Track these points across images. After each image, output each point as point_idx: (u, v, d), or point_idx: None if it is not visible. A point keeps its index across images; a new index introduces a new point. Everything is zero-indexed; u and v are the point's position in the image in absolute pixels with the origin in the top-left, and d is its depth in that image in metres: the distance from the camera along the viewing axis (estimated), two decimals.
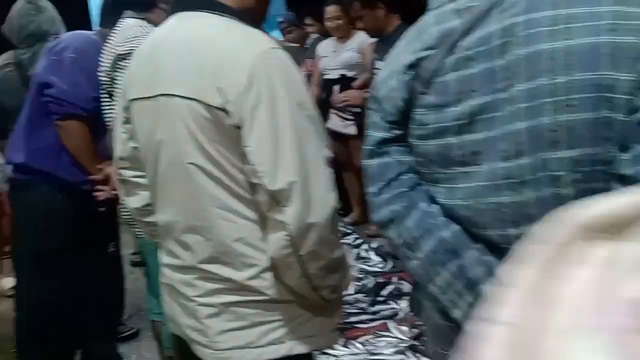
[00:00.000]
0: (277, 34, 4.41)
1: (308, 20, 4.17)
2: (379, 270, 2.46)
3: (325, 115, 3.70)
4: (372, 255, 2.61)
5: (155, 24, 1.57)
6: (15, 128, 1.97)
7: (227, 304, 1.04)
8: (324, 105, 3.69)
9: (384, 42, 3.05)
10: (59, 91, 1.81)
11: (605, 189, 0.67)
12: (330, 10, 3.67)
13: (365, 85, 3.49)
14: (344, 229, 2.73)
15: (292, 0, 6.53)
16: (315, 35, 4.18)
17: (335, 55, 3.70)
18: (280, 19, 4.30)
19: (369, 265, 2.51)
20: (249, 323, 1.04)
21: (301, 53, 4.10)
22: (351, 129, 3.61)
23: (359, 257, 2.56)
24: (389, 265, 2.50)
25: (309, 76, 3.96)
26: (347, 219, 3.78)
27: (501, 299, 0.38)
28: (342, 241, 2.89)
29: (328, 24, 3.68)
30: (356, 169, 3.74)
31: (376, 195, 0.92)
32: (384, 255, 2.56)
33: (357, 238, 2.79)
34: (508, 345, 0.36)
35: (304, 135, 0.97)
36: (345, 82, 3.61)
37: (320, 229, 0.97)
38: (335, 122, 3.72)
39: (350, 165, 3.80)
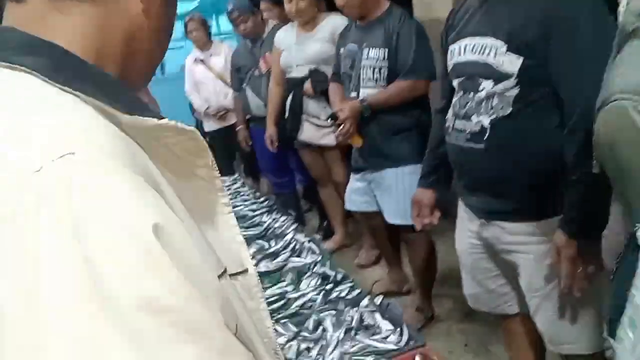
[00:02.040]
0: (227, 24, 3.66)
1: (263, 5, 3.31)
2: (394, 348, 1.50)
3: (296, 124, 3.04)
4: (379, 319, 1.62)
5: None
6: None
7: None
8: (293, 111, 3.02)
9: (369, 28, 2.35)
10: None
11: None
12: None
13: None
14: (327, 270, 1.93)
15: None
16: (273, 23, 3.41)
17: (299, 48, 2.97)
18: (230, 6, 3.42)
19: (381, 340, 1.51)
20: None
21: (260, 46, 3.40)
22: (329, 139, 2.92)
23: (361, 326, 1.59)
24: (405, 336, 1.52)
25: (268, 74, 3.28)
26: (328, 244, 3.15)
27: None
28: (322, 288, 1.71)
29: (286, 6, 2.91)
30: (335, 184, 3.10)
31: None
32: (395, 318, 1.60)
33: (351, 286, 1.82)
34: None
35: None
36: (318, 78, 2.88)
37: None
38: (310, 132, 3.03)
39: (328, 181, 3.16)
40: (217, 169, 0.55)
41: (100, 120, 0.44)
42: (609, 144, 0.77)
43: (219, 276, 0.49)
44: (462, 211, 1.67)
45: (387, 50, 2.26)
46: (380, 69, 2.28)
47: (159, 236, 0.38)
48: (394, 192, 2.38)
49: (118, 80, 0.51)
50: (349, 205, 2.69)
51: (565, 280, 1.38)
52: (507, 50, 1.35)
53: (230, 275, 0.53)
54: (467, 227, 1.66)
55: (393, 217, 2.44)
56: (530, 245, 1.47)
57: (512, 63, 1.35)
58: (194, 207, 0.51)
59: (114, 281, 0.36)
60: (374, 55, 2.29)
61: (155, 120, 0.47)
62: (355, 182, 2.60)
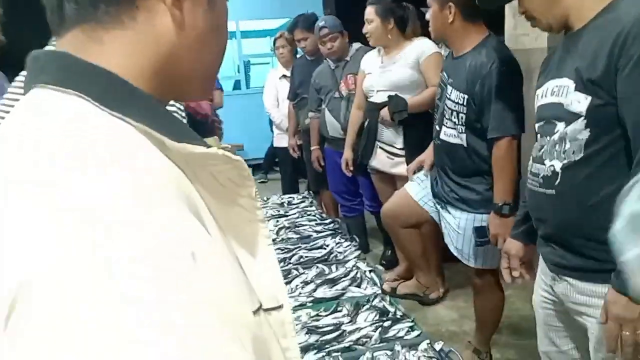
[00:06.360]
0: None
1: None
2: None
3: (368, 150, 3.00)
4: None
5: None
6: None
7: None
8: (366, 137, 2.98)
9: (458, 62, 2.18)
10: None
11: None
12: (367, 11, 2.88)
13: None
14: (387, 305, 1.88)
15: None
16: (357, 45, 3.41)
17: (382, 73, 2.93)
18: (321, 23, 3.34)
19: None
20: None
21: (343, 67, 3.39)
22: (400, 169, 2.88)
23: None
24: None
25: (348, 97, 3.27)
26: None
27: None
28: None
29: (364, 30, 2.91)
30: None
31: None
32: None
33: (410, 326, 1.73)
34: None
35: None
36: (398, 105, 2.83)
37: None
38: (382, 160, 3.00)
39: None
40: (259, 200, 0.55)
41: (148, 147, 0.44)
42: None
43: (254, 312, 0.48)
44: (540, 262, 1.56)
45: (466, 96, 2.10)
46: (458, 114, 2.15)
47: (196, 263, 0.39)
48: (462, 235, 2.32)
49: (166, 109, 0.51)
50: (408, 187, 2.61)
51: (608, 343, 1.23)
52: (575, 89, 1.28)
53: (264, 310, 0.52)
54: (542, 279, 1.55)
55: (460, 255, 2.37)
56: (600, 309, 1.33)
57: (580, 102, 1.27)
58: (233, 235, 0.52)
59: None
60: (455, 98, 2.15)
61: (203, 149, 0.47)
62: (423, 182, 2.56)
